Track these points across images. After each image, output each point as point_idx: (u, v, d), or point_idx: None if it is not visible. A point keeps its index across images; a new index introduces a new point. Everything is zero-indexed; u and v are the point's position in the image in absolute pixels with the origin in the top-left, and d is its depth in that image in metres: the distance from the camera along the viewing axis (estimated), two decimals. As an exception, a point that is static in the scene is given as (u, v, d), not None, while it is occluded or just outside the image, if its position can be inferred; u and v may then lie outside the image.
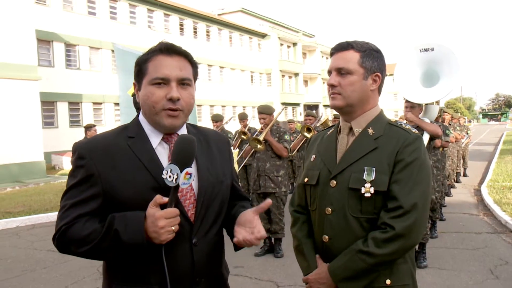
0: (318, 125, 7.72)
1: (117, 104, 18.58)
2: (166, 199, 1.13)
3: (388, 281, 1.40)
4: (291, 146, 5.09)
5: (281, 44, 35.24)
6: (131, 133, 1.25)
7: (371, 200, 1.39)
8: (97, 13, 20.19)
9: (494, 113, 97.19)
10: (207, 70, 27.32)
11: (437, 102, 4.12)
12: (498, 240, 5.15)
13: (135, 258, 1.17)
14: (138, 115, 1.31)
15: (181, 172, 1.12)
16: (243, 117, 7.16)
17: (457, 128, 9.44)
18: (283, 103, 32.11)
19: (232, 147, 6.98)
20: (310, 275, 1.50)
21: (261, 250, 4.82)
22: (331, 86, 1.48)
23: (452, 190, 8.42)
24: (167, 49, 1.23)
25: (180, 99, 1.21)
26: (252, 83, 32.26)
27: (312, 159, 1.59)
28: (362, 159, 1.43)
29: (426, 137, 3.96)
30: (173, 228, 1.13)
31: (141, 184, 1.18)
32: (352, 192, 1.41)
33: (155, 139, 1.25)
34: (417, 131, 1.50)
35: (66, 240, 1.17)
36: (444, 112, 6.92)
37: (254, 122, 7.59)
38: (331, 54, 1.53)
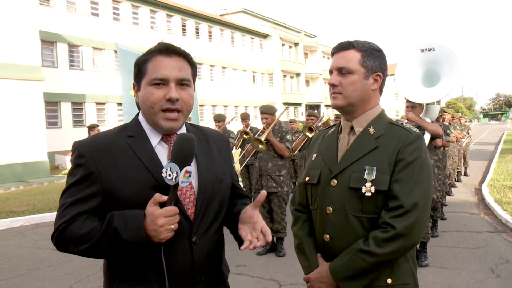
0: (319, 125, 7.74)
1: (120, 104, 18.63)
2: (165, 198, 1.13)
3: (389, 280, 1.40)
4: (293, 145, 5.11)
5: (283, 45, 35.24)
6: (130, 132, 1.25)
7: (372, 199, 1.39)
8: (100, 14, 20.27)
9: (494, 112, 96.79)
10: (209, 71, 27.35)
11: (438, 102, 4.13)
12: (499, 239, 5.15)
13: (134, 256, 1.17)
14: (137, 115, 1.31)
15: (180, 170, 1.12)
16: (245, 117, 7.19)
17: (458, 127, 9.44)
18: (284, 103, 32.09)
19: (234, 147, 7.02)
20: (311, 274, 1.50)
21: (263, 249, 4.84)
22: (332, 85, 1.48)
23: (453, 189, 8.41)
24: (166, 50, 1.22)
25: (179, 99, 1.21)
26: (254, 83, 32.28)
27: (313, 158, 1.59)
28: (363, 158, 1.42)
29: (427, 137, 3.97)
30: (172, 226, 1.13)
31: (141, 183, 1.18)
32: (353, 192, 1.41)
33: (154, 138, 1.25)
34: (418, 131, 1.49)
35: (65, 238, 1.16)
36: (445, 112, 6.93)
37: (256, 122, 7.62)
38: (332, 54, 1.52)
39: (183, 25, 25.74)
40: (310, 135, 6.63)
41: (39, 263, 4.74)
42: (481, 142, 24.35)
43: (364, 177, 1.39)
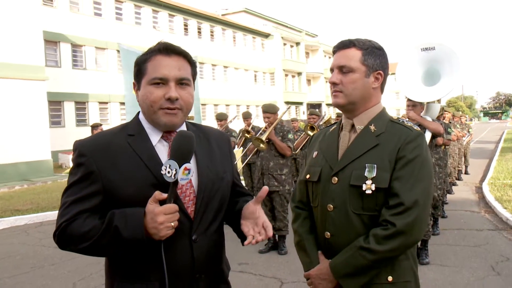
0: (321, 123, 7.76)
1: (122, 103, 18.67)
2: (165, 195, 1.13)
3: (390, 278, 1.40)
4: (294, 144, 5.14)
5: (284, 44, 35.23)
6: (131, 131, 1.26)
7: (373, 197, 1.39)
8: (103, 14, 20.33)
9: (495, 111, 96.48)
10: (211, 70, 27.39)
11: (439, 101, 4.13)
12: (499, 237, 5.16)
13: (135, 254, 1.17)
14: (138, 114, 1.31)
15: (179, 167, 1.12)
16: (247, 116, 7.21)
17: (458, 126, 9.45)
18: (286, 102, 32.12)
19: (236, 146, 7.02)
20: (312, 271, 1.50)
21: (265, 247, 4.86)
22: (333, 84, 1.48)
23: (453, 187, 8.40)
24: (165, 49, 1.23)
25: (178, 98, 1.21)
26: (256, 83, 32.29)
27: (314, 156, 1.58)
28: (364, 156, 1.42)
29: (428, 135, 3.99)
30: (172, 224, 1.13)
31: (141, 181, 1.18)
32: (354, 189, 1.41)
33: (155, 137, 1.26)
34: (419, 129, 1.49)
35: (66, 236, 1.17)
36: (445, 110, 6.94)
37: (258, 121, 7.64)
38: (334, 52, 1.52)
39: (185, 25, 25.77)
40: (312, 134, 6.66)
41: (43, 261, 4.78)
42: (481, 140, 24.29)
43: (365, 174, 1.39)
